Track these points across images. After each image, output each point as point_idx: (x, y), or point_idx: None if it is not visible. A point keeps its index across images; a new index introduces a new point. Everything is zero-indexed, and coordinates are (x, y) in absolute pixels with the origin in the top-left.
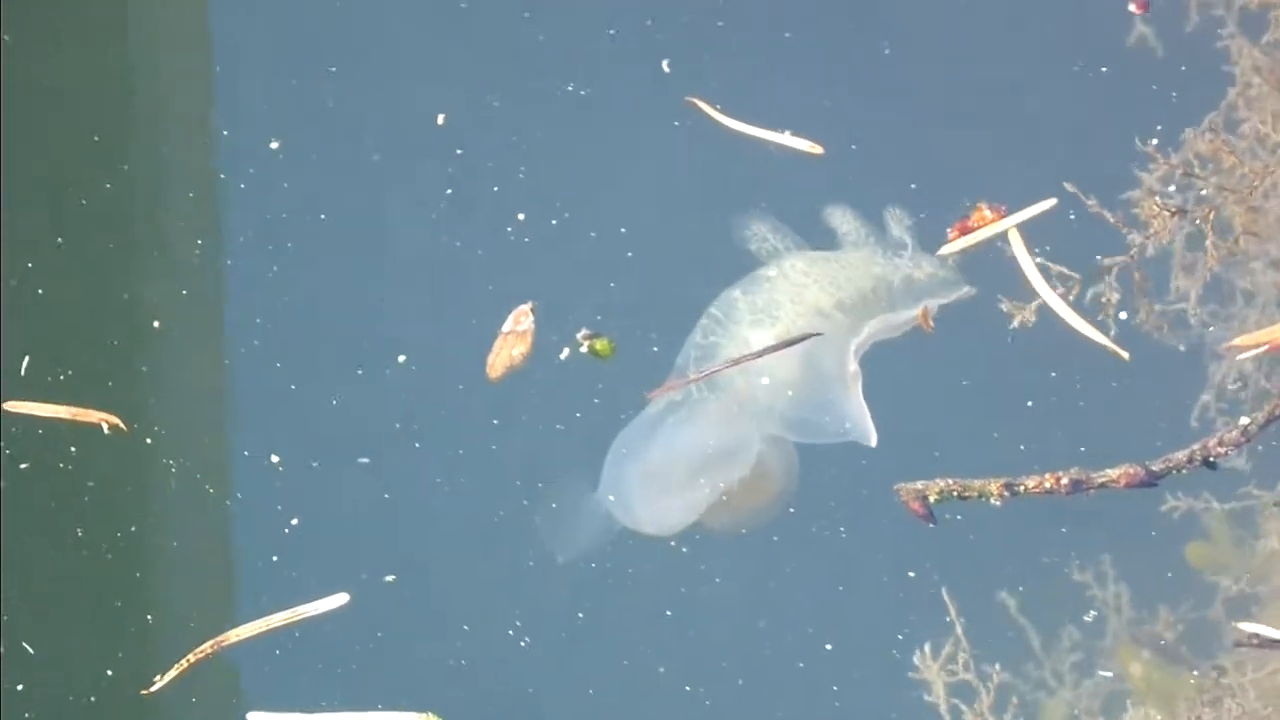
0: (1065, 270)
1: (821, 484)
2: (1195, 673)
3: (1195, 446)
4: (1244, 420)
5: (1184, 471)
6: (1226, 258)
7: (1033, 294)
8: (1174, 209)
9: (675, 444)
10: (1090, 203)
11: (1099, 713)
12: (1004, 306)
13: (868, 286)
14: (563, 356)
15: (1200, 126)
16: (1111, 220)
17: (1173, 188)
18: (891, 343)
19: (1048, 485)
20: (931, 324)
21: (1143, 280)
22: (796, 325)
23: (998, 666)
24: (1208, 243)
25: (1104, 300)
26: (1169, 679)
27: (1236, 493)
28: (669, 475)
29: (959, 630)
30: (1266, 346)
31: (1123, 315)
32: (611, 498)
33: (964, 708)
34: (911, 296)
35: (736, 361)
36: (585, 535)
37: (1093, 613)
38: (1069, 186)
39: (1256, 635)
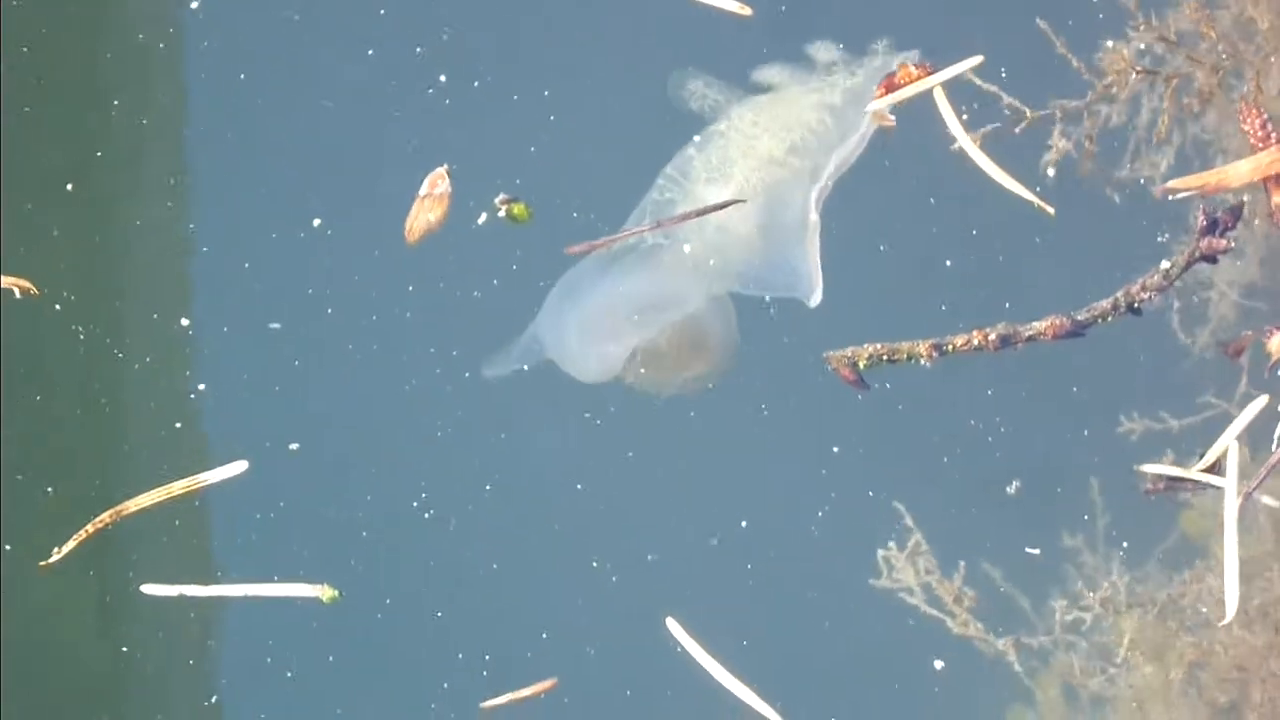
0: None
1: (742, 359)
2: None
3: (1118, 294)
4: (1164, 264)
5: (1110, 319)
6: (1183, 115)
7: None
8: (1140, 68)
9: (620, 285)
10: (1059, 43)
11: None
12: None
13: (814, 118)
14: (480, 222)
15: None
16: (1075, 64)
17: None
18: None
19: (975, 342)
20: (891, 119)
21: (1091, 127)
22: (751, 180)
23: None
24: (1164, 104)
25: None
26: (1162, 636)
27: (1197, 403)
28: (605, 315)
29: (911, 525)
30: (1201, 187)
31: (1050, 172)
32: (545, 327)
33: (935, 583)
34: (856, 105)
35: (660, 224)
36: (513, 356)
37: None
38: (1040, 23)
39: (1162, 477)
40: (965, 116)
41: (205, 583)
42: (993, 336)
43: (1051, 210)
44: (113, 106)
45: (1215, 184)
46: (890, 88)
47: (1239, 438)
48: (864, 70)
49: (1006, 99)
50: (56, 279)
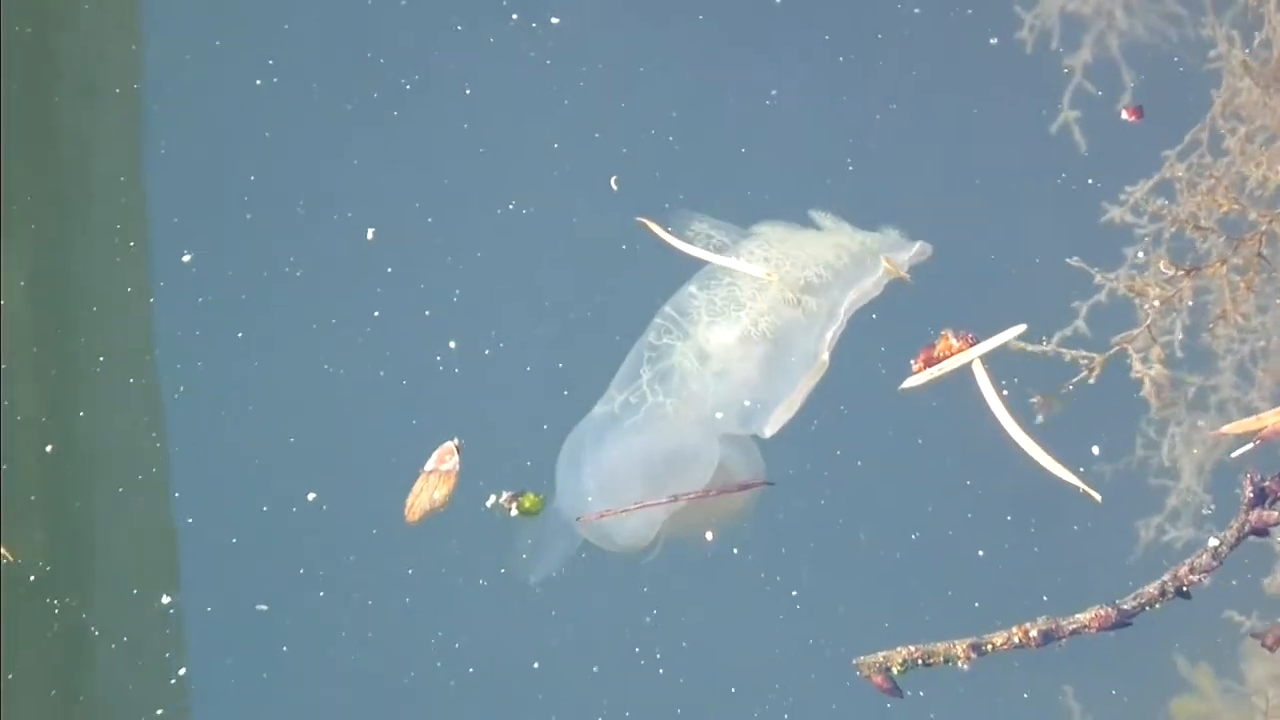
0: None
1: (766, 667)
2: None
3: (1166, 578)
4: (1212, 542)
5: (1159, 606)
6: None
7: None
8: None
9: (631, 451)
10: (1097, 274)
11: None
12: (1034, 400)
13: (833, 255)
14: (489, 505)
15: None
16: (1120, 285)
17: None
18: (831, 500)
19: (1016, 640)
20: (907, 276)
21: (1162, 343)
22: (760, 323)
23: None
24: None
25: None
26: None
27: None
28: (626, 484)
29: None
30: (1258, 432)
31: (1095, 450)
32: (565, 508)
33: None
34: (873, 256)
35: (677, 498)
36: (551, 554)
37: None
38: (1074, 262)
39: None
40: (1006, 391)
41: None
42: (1034, 633)
43: (1099, 497)
44: (97, 363)
45: (1273, 428)
46: (929, 361)
47: None
48: (879, 234)
49: (1070, 353)
50: (30, 547)
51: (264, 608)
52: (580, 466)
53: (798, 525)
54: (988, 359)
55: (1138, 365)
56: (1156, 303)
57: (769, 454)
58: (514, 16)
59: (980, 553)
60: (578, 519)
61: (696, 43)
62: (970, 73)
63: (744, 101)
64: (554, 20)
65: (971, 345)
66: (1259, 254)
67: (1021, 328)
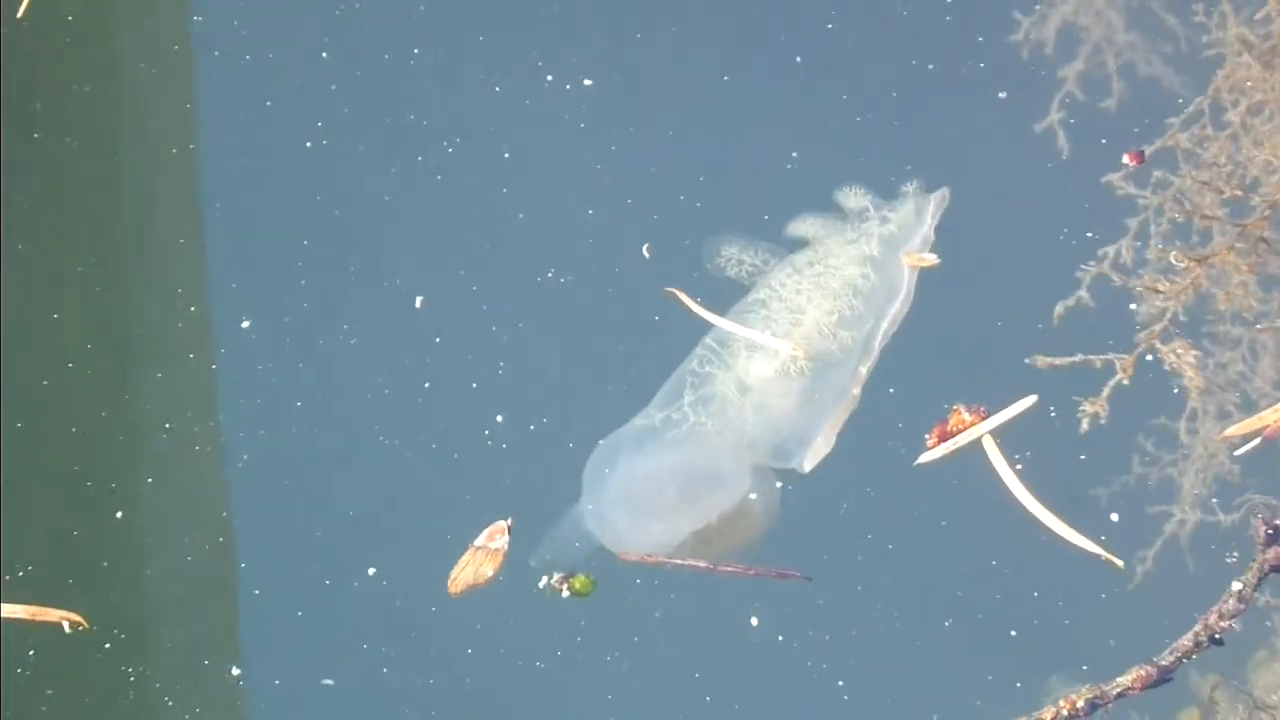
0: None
1: None
2: None
3: (1197, 628)
4: (1236, 585)
5: (1194, 656)
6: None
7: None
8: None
9: (669, 463)
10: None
11: None
12: (1086, 407)
13: (858, 275)
14: (540, 586)
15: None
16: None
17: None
18: (867, 586)
19: (1065, 713)
20: (931, 258)
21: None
22: (799, 358)
23: None
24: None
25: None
26: None
27: None
28: (657, 493)
29: None
30: (1262, 430)
31: (1114, 517)
32: (590, 509)
33: None
34: (895, 254)
35: (715, 568)
36: (562, 550)
37: None
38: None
39: None
40: (1019, 465)
41: None
42: (1080, 703)
43: (1121, 563)
44: (164, 430)
45: (1276, 426)
46: (943, 435)
47: None
48: (896, 215)
49: (1099, 358)
50: (106, 615)
51: (330, 682)
52: (614, 467)
53: (839, 612)
54: (999, 432)
55: (1171, 358)
56: (1170, 298)
57: (807, 526)
58: (549, 78)
59: (1013, 633)
60: (619, 555)
61: (720, 104)
62: (988, 129)
63: (765, 165)
64: (586, 82)
65: (984, 419)
66: (1262, 238)
67: (1033, 398)
